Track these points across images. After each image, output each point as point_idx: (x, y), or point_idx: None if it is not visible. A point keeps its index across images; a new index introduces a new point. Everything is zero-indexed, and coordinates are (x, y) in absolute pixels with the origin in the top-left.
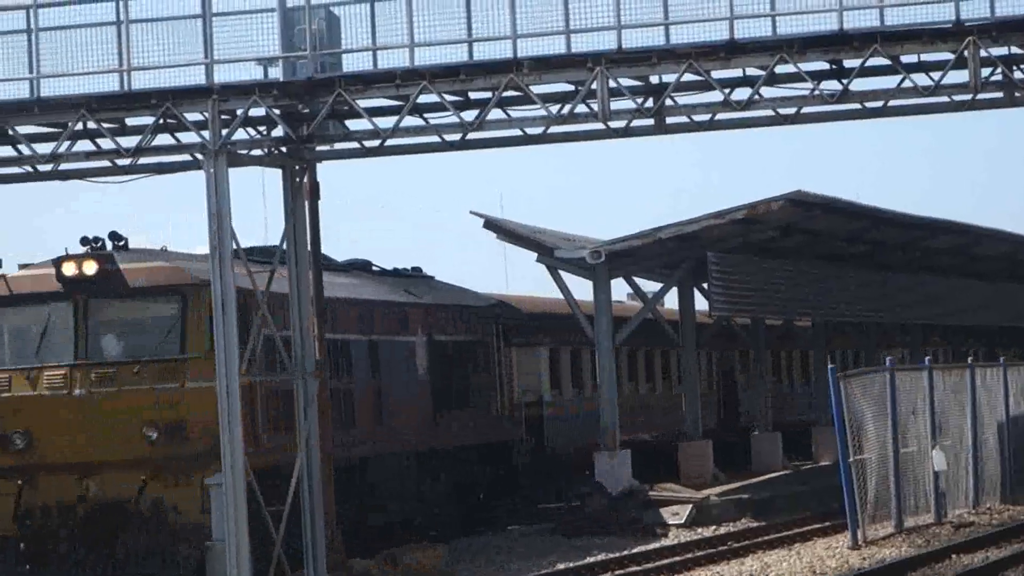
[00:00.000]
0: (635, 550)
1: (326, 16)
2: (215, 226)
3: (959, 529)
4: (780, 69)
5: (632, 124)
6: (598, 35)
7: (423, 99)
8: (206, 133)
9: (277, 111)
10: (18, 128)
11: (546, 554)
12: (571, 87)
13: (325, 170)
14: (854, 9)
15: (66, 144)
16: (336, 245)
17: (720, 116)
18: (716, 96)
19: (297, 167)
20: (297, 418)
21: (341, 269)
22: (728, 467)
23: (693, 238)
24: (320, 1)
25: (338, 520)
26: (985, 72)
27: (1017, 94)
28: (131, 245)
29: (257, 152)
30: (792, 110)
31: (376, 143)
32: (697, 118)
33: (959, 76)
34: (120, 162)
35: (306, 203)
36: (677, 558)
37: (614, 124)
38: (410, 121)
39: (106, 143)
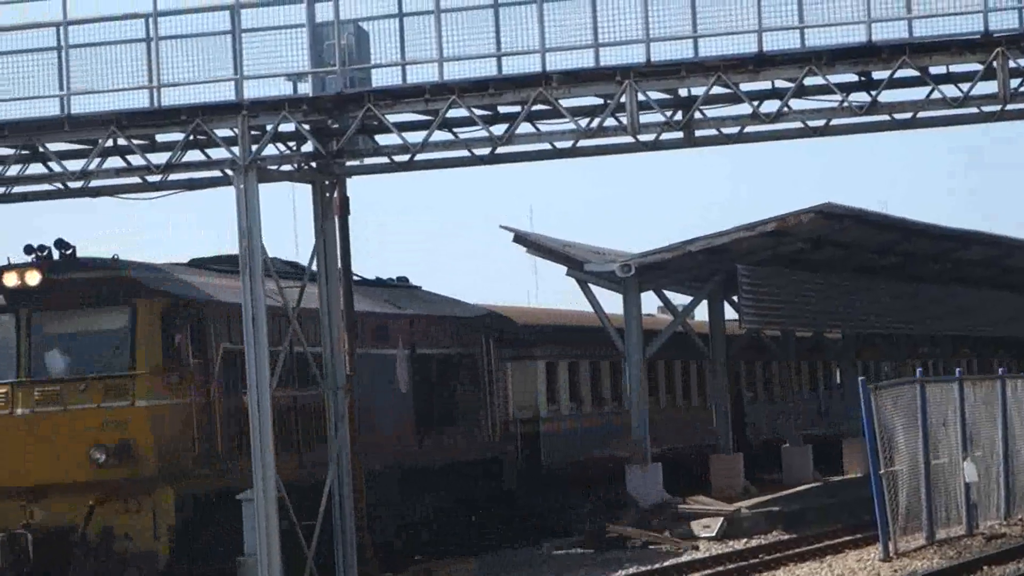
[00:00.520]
0: (666, 563)
1: (355, 31)
2: (245, 242)
3: (990, 541)
4: (809, 81)
5: (661, 137)
6: (627, 48)
7: (452, 113)
8: (236, 149)
9: (307, 126)
10: (49, 145)
11: (576, 568)
12: (600, 100)
13: (354, 185)
14: (882, 21)
15: (96, 161)
16: (366, 260)
17: (749, 129)
18: (745, 109)
19: (327, 182)
20: (328, 432)
21: (311, 279)
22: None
23: (723, 251)
24: (349, 16)
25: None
26: (1014, 83)
27: None
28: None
29: (287, 167)
30: (821, 122)
31: (406, 158)
32: (726, 131)
33: (988, 87)
34: (150, 178)
35: (336, 218)
36: (708, 571)
37: (643, 137)
38: (439, 136)
39: (136, 160)
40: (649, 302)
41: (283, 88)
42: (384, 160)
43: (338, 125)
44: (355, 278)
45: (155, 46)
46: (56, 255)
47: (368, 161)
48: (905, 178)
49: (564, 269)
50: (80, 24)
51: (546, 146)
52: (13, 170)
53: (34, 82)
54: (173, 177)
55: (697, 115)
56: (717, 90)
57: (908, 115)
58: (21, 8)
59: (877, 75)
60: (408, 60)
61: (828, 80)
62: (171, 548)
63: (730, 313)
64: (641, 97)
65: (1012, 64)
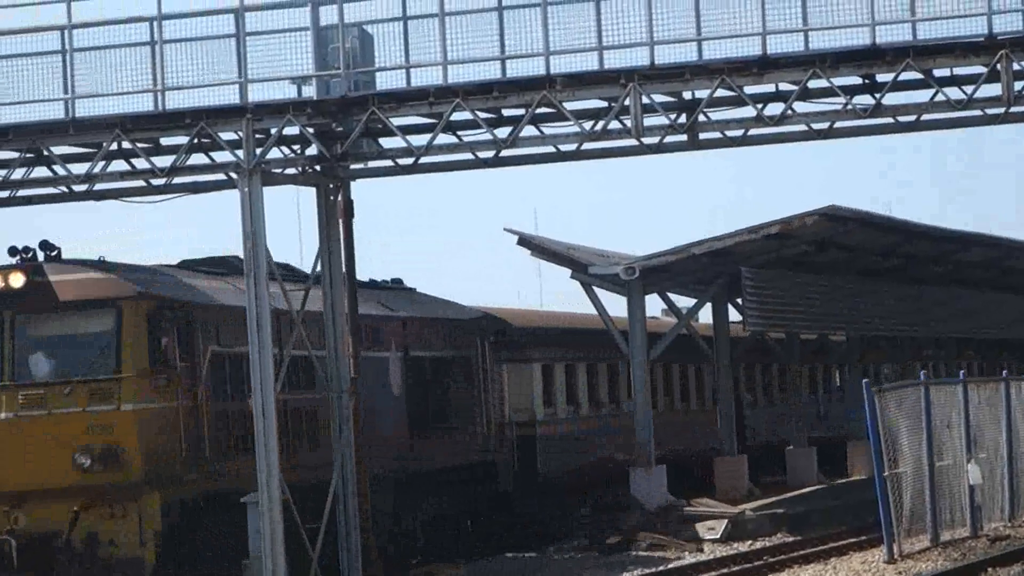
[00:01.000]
0: (671, 566)
1: (359, 34)
2: (249, 245)
3: (995, 543)
4: (813, 84)
5: (665, 140)
6: (631, 51)
7: (456, 116)
8: (240, 152)
9: (311, 130)
10: (53, 148)
11: (581, 571)
12: (604, 103)
13: (358, 188)
14: (886, 24)
15: (101, 164)
16: (369, 263)
17: (753, 131)
18: (749, 111)
19: (331, 185)
20: (333, 435)
21: (301, 280)
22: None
23: (727, 253)
24: (353, 19)
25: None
26: (1018, 85)
27: None
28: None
29: (291, 171)
30: (825, 125)
31: (410, 161)
32: (730, 133)
33: (992, 89)
34: (155, 182)
35: (340, 221)
36: (713, 573)
37: (647, 140)
38: (444, 139)
39: (141, 163)
40: (652, 305)
41: (287, 91)
42: (388, 163)
43: (342, 128)
44: None
45: (159, 49)
46: (41, 256)
47: (372, 164)
48: (908, 180)
49: (568, 272)
50: (84, 28)
51: (550, 149)
52: (18, 173)
53: (38, 85)
54: (177, 180)
55: (701, 118)
56: (721, 93)
57: (912, 118)
58: (25, 11)
59: (881, 78)
60: (412, 63)
61: (832, 83)
62: (157, 554)
63: (734, 315)
64: (645, 100)
65: (1016, 67)
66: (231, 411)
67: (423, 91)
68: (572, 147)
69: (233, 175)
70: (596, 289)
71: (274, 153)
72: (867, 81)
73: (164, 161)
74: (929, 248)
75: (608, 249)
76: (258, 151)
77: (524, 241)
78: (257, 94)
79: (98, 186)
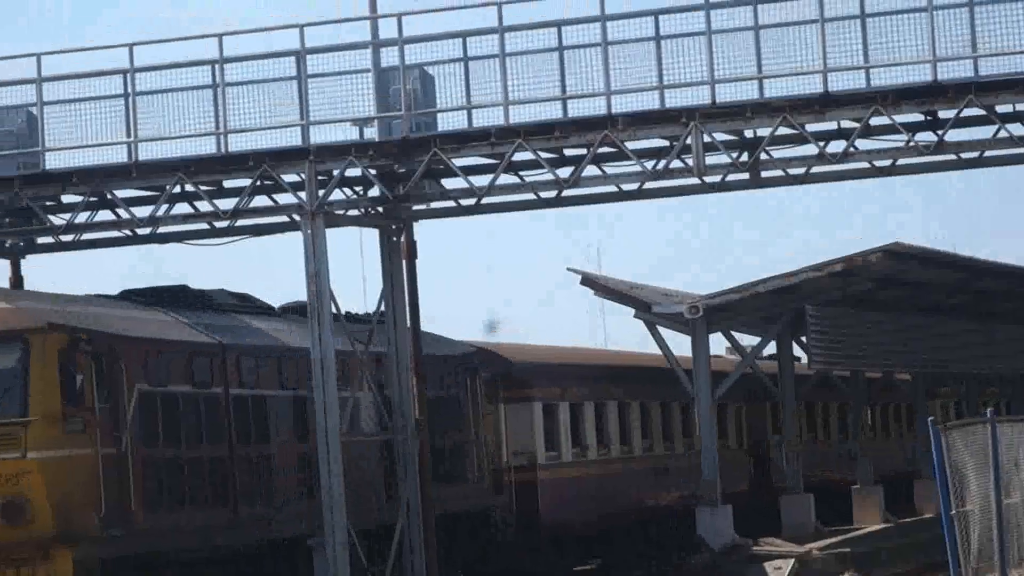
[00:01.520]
0: None
1: (420, 76)
2: (313, 287)
3: None
4: (875, 121)
5: (727, 178)
6: (692, 90)
7: (518, 156)
8: (303, 194)
9: (373, 171)
10: (116, 192)
11: None
12: (666, 142)
13: (420, 228)
14: (948, 60)
15: (164, 207)
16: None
17: (815, 169)
18: (811, 149)
19: (394, 227)
20: (398, 477)
21: (263, 312)
22: (757, 532)
23: (791, 291)
24: (415, 61)
25: None
26: None
27: None
28: None
29: (354, 212)
30: (887, 162)
31: (472, 201)
32: (792, 171)
33: None
34: (218, 224)
35: (403, 262)
36: None
37: (709, 179)
38: (505, 178)
39: (204, 205)
40: (716, 343)
41: (349, 133)
42: (451, 204)
43: (404, 169)
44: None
45: (222, 92)
46: None
47: (435, 205)
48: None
49: (632, 311)
50: (147, 71)
51: (612, 188)
52: (82, 217)
53: (102, 129)
54: (240, 223)
55: (763, 156)
56: (782, 131)
57: (975, 154)
58: (87, 55)
59: (943, 114)
60: (473, 104)
61: (894, 120)
62: None
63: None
64: (707, 138)
65: None
66: (165, 459)
67: (484, 131)
68: (634, 186)
69: (296, 217)
70: (660, 328)
71: (336, 195)
72: (929, 118)
73: (227, 204)
74: (996, 284)
75: (671, 287)
76: (320, 193)
77: (587, 280)
78: (319, 136)
79: (161, 229)
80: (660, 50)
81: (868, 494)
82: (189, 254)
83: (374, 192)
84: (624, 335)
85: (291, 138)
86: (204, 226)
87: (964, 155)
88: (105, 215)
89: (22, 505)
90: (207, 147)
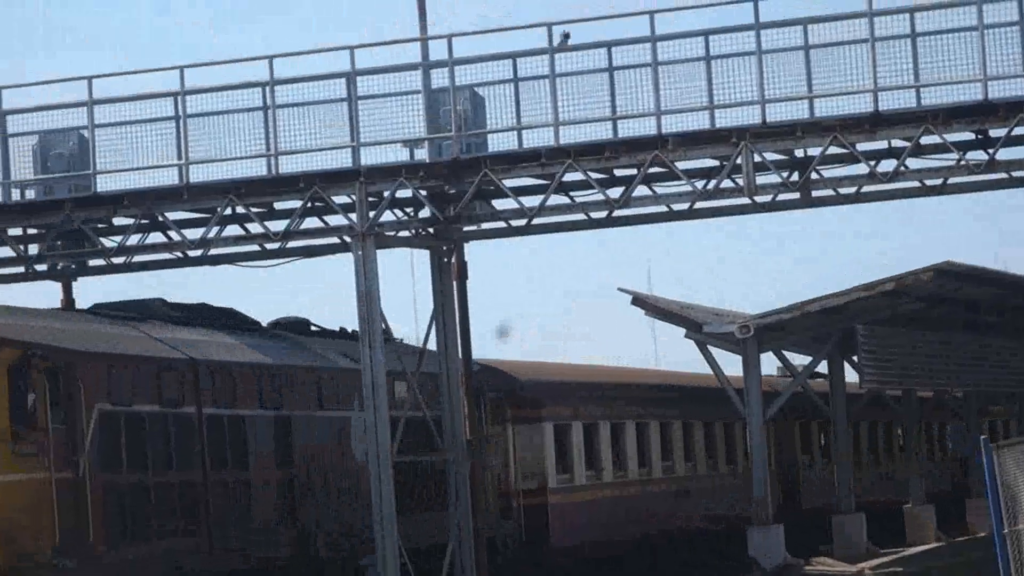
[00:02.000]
0: None
1: (471, 97)
2: (364, 308)
3: None
4: (925, 140)
5: (778, 198)
6: (742, 110)
7: (568, 177)
8: (353, 216)
9: (424, 192)
10: (168, 214)
11: None
12: (716, 162)
13: (470, 248)
14: (999, 79)
15: (215, 229)
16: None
17: (866, 188)
18: (862, 168)
19: (444, 247)
20: (448, 499)
21: (251, 329)
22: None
23: (842, 311)
24: (465, 82)
25: None
26: None
27: None
28: None
29: (404, 233)
30: (938, 181)
31: (523, 222)
32: (843, 191)
33: None
34: (269, 246)
35: (454, 283)
36: None
37: (760, 198)
38: (556, 199)
39: (254, 227)
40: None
41: (399, 155)
42: (501, 224)
43: (455, 190)
44: (313, 329)
45: (272, 114)
46: None
47: (485, 226)
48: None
49: (682, 331)
50: (197, 94)
51: (662, 208)
52: (133, 239)
53: (152, 152)
54: (291, 244)
55: (814, 175)
56: (833, 150)
57: None
58: (138, 78)
59: (994, 133)
60: (524, 124)
61: (944, 139)
62: None
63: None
64: (757, 158)
65: None
66: (129, 484)
67: (535, 152)
68: (684, 206)
69: (347, 238)
70: (711, 348)
71: (387, 216)
72: (980, 136)
73: (278, 225)
74: None
75: (723, 307)
76: (371, 214)
77: (638, 300)
78: (369, 157)
79: (212, 251)
80: (710, 70)
81: (920, 512)
82: (240, 276)
83: (425, 213)
84: (674, 353)
85: (342, 159)
86: (255, 248)
87: (1015, 173)
88: (156, 237)
89: None
90: (258, 169)
